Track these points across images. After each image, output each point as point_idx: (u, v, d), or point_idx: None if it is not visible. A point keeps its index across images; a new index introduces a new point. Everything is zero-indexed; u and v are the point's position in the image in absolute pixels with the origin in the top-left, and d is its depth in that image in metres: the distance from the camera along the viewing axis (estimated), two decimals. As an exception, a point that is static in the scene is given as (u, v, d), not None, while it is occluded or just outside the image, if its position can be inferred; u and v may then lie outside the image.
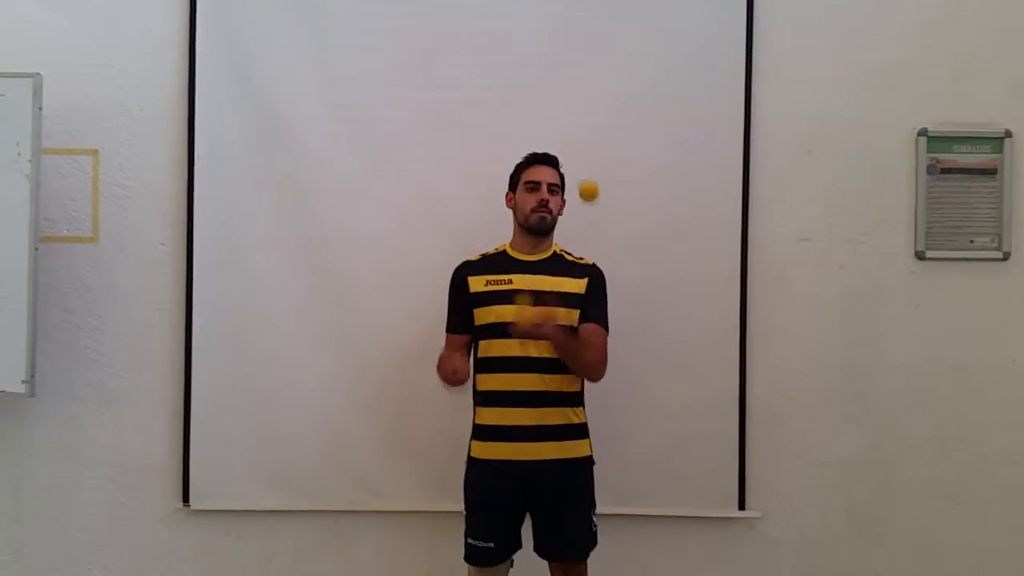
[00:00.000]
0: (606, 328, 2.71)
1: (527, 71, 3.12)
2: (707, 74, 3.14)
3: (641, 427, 3.11)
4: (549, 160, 2.74)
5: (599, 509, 2.75)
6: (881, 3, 3.18)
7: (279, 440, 3.13)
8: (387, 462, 3.13)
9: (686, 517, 3.15)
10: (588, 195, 2.68)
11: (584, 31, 3.14)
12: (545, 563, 2.70)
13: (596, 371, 2.68)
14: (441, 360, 2.62)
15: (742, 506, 3.15)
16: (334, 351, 3.13)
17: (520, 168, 2.76)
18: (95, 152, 3.17)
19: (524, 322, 2.45)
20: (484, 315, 2.67)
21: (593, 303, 2.70)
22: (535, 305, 2.49)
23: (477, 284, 2.70)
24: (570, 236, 2.81)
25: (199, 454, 3.13)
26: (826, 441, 3.18)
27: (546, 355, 2.62)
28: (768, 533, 3.18)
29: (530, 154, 2.76)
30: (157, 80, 3.16)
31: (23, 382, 2.91)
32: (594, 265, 2.77)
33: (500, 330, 2.60)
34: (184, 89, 3.14)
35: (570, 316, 2.65)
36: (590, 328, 2.67)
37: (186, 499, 3.14)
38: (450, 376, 2.61)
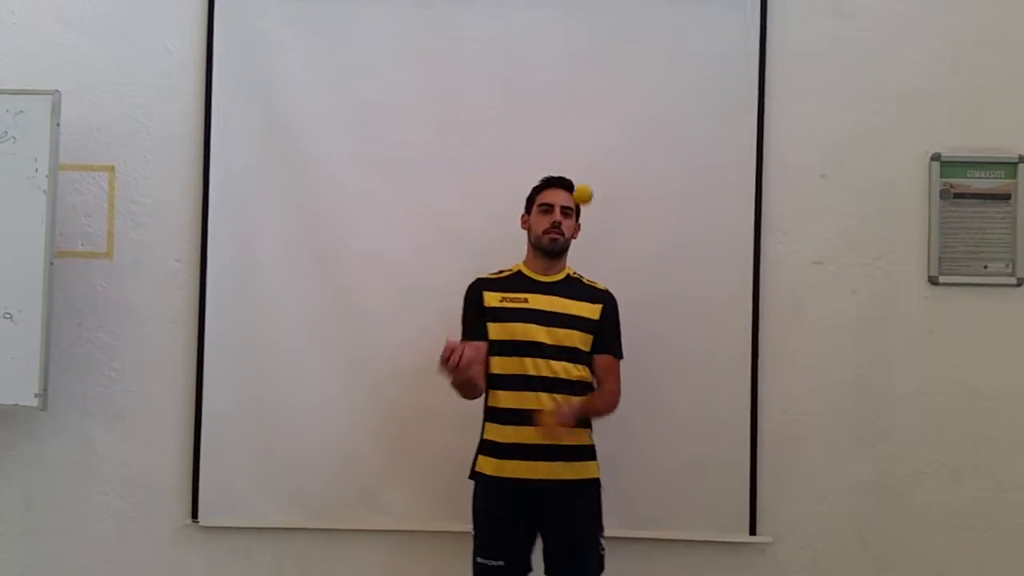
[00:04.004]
0: (620, 355, 2.75)
1: (543, 94, 3.14)
2: (721, 98, 3.14)
3: (651, 450, 3.10)
4: (564, 184, 2.76)
5: (607, 532, 2.74)
6: (895, 28, 3.18)
7: (289, 457, 3.13)
8: (396, 481, 3.12)
9: (696, 541, 3.13)
10: (582, 198, 2.71)
11: (599, 55, 3.15)
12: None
13: (613, 410, 2.72)
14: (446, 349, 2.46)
15: (753, 531, 3.12)
16: (345, 369, 3.13)
17: (536, 191, 2.78)
18: (111, 169, 3.19)
19: (548, 425, 2.51)
20: (498, 331, 2.68)
21: (607, 331, 2.74)
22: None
23: (492, 299, 2.71)
24: (583, 256, 2.82)
25: (209, 470, 3.13)
26: (838, 466, 3.15)
27: (558, 375, 2.64)
28: (779, 559, 3.15)
29: (546, 177, 2.78)
30: (174, 98, 3.19)
31: (36, 396, 2.93)
32: (607, 291, 2.79)
33: (511, 347, 2.64)
34: (201, 108, 3.17)
35: (584, 340, 2.68)
36: (604, 361, 2.72)
37: (195, 515, 3.14)
38: (456, 364, 2.41)
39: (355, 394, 3.13)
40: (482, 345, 2.68)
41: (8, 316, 2.94)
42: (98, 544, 3.18)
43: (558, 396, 2.63)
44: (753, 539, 3.13)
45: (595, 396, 2.69)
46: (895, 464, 3.15)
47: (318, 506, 3.13)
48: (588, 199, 2.71)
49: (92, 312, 3.18)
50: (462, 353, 2.43)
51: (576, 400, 2.61)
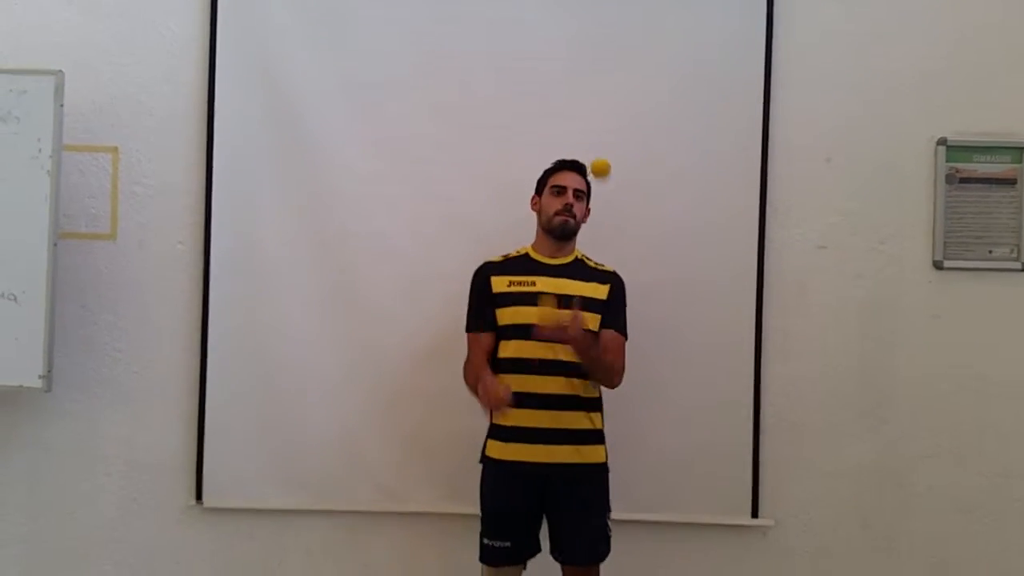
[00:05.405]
0: (625, 335, 2.74)
1: (547, 77, 3.12)
2: (726, 81, 3.13)
3: (655, 433, 3.10)
4: (577, 167, 2.76)
5: (612, 515, 2.74)
6: (901, 12, 3.17)
7: (293, 439, 3.13)
8: (401, 463, 3.13)
9: (699, 524, 3.14)
10: (600, 171, 2.71)
11: (604, 38, 3.14)
12: (558, 567, 2.70)
13: (614, 377, 2.68)
14: (483, 385, 2.53)
15: (755, 514, 3.14)
16: (350, 352, 3.13)
17: (548, 173, 2.78)
18: (115, 150, 3.18)
19: (549, 325, 2.45)
20: (506, 315, 2.67)
21: (614, 310, 2.73)
22: (559, 307, 2.49)
23: (500, 284, 2.70)
24: (588, 240, 2.81)
25: (213, 452, 3.13)
26: (841, 450, 3.16)
27: (567, 358, 2.62)
28: (781, 542, 3.17)
29: (559, 160, 2.78)
30: (178, 79, 3.18)
31: (40, 377, 2.93)
32: (615, 272, 2.78)
33: (522, 331, 2.61)
34: (204, 89, 3.15)
35: (592, 321, 2.67)
36: (609, 335, 2.69)
37: (199, 497, 3.15)
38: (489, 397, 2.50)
39: (359, 376, 3.13)
40: (487, 341, 2.68)
41: (12, 297, 2.93)
42: (102, 525, 3.19)
43: (566, 379, 2.63)
44: (755, 522, 3.14)
45: (603, 350, 2.62)
46: (898, 448, 3.16)
47: (322, 488, 3.13)
48: (606, 172, 2.71)
49: (96, 293, 3.18)
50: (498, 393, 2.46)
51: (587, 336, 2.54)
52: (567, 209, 2.69)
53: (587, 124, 3.09)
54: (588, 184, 2.78)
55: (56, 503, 3.19)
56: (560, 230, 2.70)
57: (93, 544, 3.19)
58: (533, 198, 2.79)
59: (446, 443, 3.08)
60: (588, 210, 2.78)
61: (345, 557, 3.18)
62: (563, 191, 2.70)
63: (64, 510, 3.19)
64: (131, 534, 3.19)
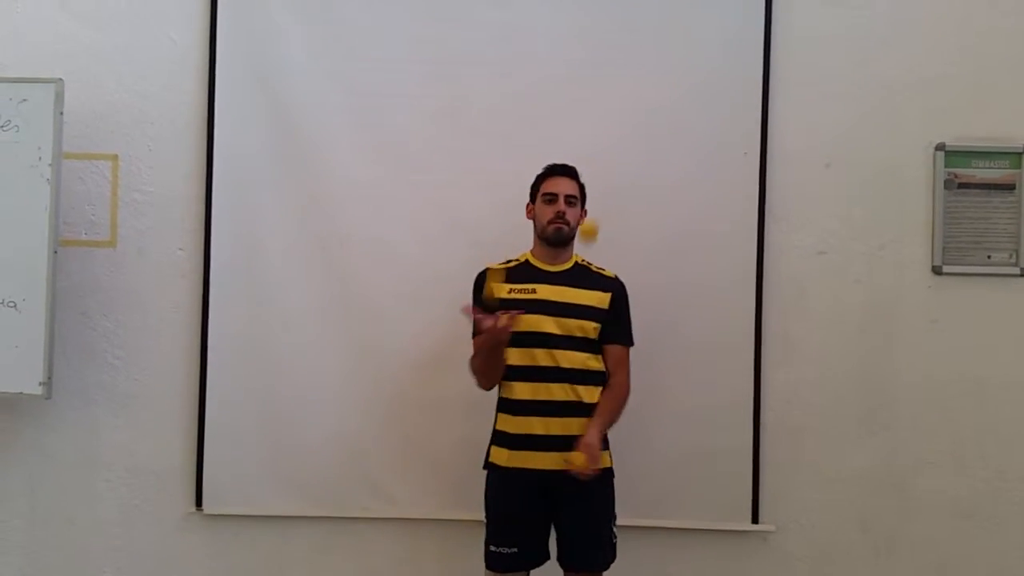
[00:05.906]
0: (631, 342, 2.75)
1: (548, 83, 3.13)
2: (725, 87, 3.13)
3: (654, 438, 3.10)
4: (567, 171, 2.74)
5: (612, 520, 2.75)
6: (900, 17, 3.18)
7: (293, 445, 3.13)
8: (402, 469, 3.13)
9: (699, 530, 3.14)
10: (587, 235, 2.69)
11: (604, 45, 3.14)
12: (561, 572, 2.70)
13: (625, 404, 2.71)
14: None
15: (755, 519, 3.14)
16: (350, 357, 3.13)
17: (539, 179, 2.76)
18: (115, 157, 3.19)
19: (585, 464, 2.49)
20: None
21: (616, 320, 2.72)
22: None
23: (501, 292, 2.68)
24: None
25: (213, 458, 3.13)
26: (841, 455, 3.16)
27: (572, 365, 2.63)
28: (782, 547, 3.17)
29: (548, 165, 2.77)
30: (178, 87, 3.18)
31: (40, 384, 2.93)
32: (617, 278, 2.77)
33: (524, 339, 2.61)
34: (204, 96, 3.16)
35: (594, 329, 2.67)
36: (615, 352, 2.70)
37: (199, 503, 3.15)
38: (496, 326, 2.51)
39: (360, 381, 3.13)
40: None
41: (12, 304, 2.94)
42: (102, 531, 3.19)
43: (570, 387, 2.62)
44: (755, 527, 3.14)
45: (605, 402, 2.65)
46: (898, 453, 3.16)
47: (323, 495, 3.13)
48: (593, 235, 2.68)
49: (96, 300, 3.18)
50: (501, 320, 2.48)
51: (592, 423, 2.58)
52: (559, 217, 2.68)
53: (586, 129, 3.10)
54: (581, 187, 2.76)
55: (56, 510, 3.19)
56: (554, 238, 2.69)
57: (93, 551, 3.19)
58: (527, 205, 2.79)
59: (447, 448, 3.08)
60: (585, 212, 2.77)
61: (346, 563, 3.17)
62: (554, 199, 2.69)
63: (64, 517, 3.19)
64: (131, 541, 3.19)
